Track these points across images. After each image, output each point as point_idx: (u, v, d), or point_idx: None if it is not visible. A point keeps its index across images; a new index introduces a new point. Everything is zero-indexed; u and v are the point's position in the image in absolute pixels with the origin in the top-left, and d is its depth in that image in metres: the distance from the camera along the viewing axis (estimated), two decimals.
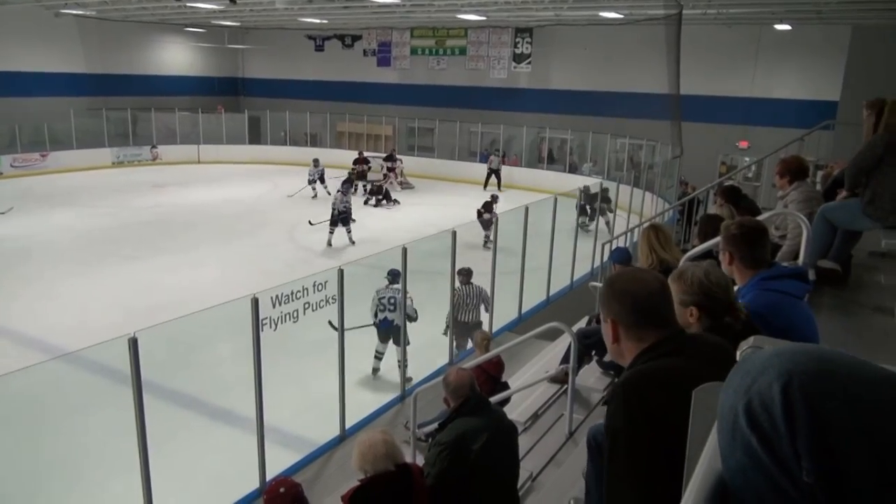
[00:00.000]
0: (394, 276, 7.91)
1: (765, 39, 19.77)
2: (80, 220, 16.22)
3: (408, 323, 7.66)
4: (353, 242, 14.45)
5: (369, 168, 21.43)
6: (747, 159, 19.04)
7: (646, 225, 5.71)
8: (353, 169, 20.69)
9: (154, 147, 25.31)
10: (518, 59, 23.94)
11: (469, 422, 3.03)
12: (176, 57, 28.59)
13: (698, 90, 19.62)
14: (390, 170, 21.88)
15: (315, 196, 19.61)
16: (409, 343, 7.67)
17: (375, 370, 8.25)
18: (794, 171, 4.62)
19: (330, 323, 7.43)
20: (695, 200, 9.57)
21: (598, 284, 7.90)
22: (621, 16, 18.64)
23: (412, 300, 7.81)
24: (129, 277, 11.73)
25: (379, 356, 8.21)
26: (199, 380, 7.86)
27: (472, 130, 25.08)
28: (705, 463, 0.77)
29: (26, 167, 22.03)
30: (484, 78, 24.62)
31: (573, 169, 22.57)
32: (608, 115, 21.55)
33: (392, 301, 7.94)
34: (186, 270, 11.99)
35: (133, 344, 4.59)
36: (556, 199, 10.10)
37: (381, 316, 8.03)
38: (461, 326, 8.18)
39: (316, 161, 20.39)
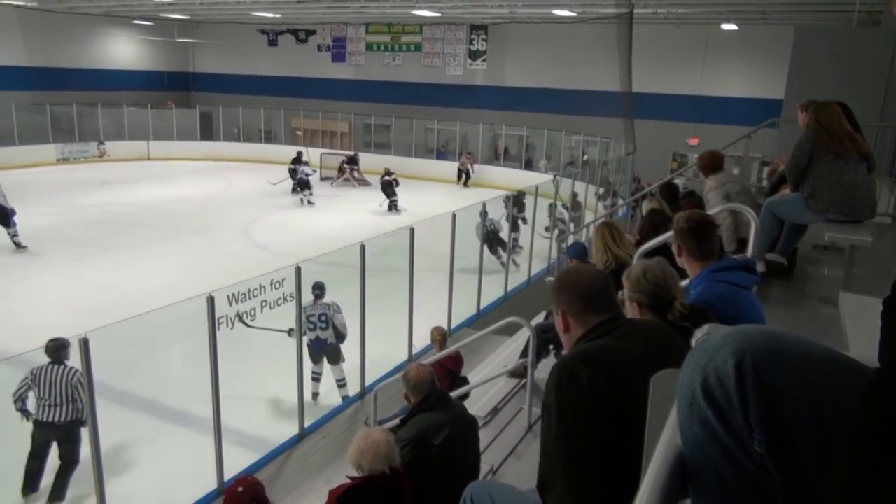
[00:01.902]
0: (320, 289, 7.25)
1: (713, 39, 20.29)
2: (24, 218, 15.60)
3: (339, 343, 7.25)
4: (313, 203, 17.14)
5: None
6: (696, 155, 19.54)
7: (599, 221, 5.83)
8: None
9: (101, 143, 24.54)
10: (473, 56, 24.04)
11: (430, 417, 3.05)
12: (123, 50, 27.78)
13: (650, 88, 20.03)
14: (351, 170, 21.84)
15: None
16: (344, 360, 7.33)
17: (315, 394, 7.48)
18: (708, 164, 4.94)
19: (238, 317, 6.63)
20: (646, 196, 9.77)
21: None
22: (574, 14, 18.89)
23: (340, 313, 7.28)
24: (76, 278, 11.39)
25: (316, 377, 7.46)
26: (154, 381, 7.69)
27: (429, 127, 25.08)
28: (665, 440, 0.81)
29: None
30: (440, 75, 24.64)
31: (528, 166, 22.80)
32: (563, 113, 21.83)
33: (323, 318, 7.20)
34: (136, 270, 11.69)
35: (84, 345, 4.48)
36: (510, 197, 10.20)
37: (311, 336, 7.18)
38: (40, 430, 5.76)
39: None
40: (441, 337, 6.03)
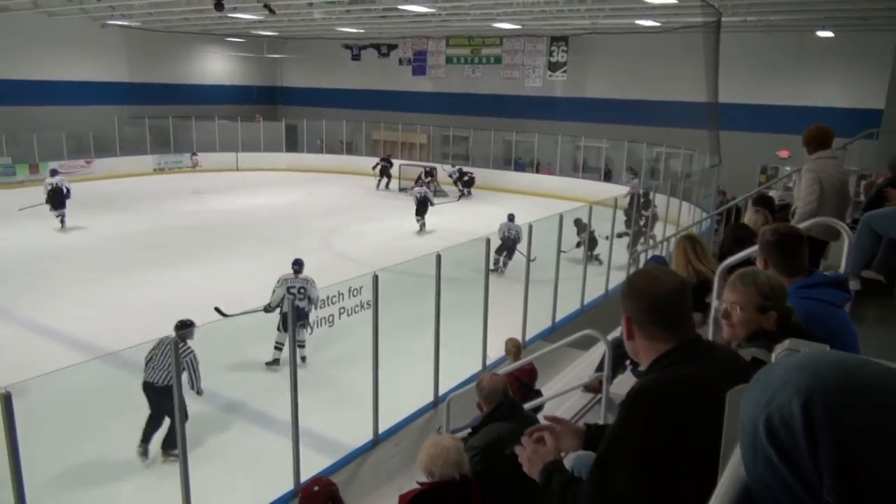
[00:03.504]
0: (299, 265, 8.58)
1: (806, 47, 19.42)
2: (123, 225, 16.65)
3: (312, 309, 7.95)
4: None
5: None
6: (788, 168, 18.69)
7: (681, 235, 5.65)
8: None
9: (194, 154, 25.87)
10: (553, 67, 23.91)
11: (501, 426, 3.04)
12: (216, 66, 29.24)
13: (737, 98, 19.36)
14: (428, 182, 22.22)
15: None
16: (311, 331, 7.97)
17: (277, 360, 8.26)
18: (814, 139, 4.56)
19: (217, 309, 8.57)
20: (733, 209, 9.43)
21: None
22: (658, 24, 18.51)
23: (315, 288, 8.20)
24: (168, 281, 11.99)
25: (279, 346, 8.30)
26: (236, 383, 7.99)
27: (507, 139, 25.09)
28: (732, 468, 0.77)
29: (71, 173, 22.62)
30: (519, 86, 24.64)
31: (608, 177, 22.42)
32: (644, 124, 21.38)
33: (302, 290, 8.26)
34: (223, 275, 12.19)
35: (174, 345, 4.70)
36: (591, 208, 10.06)
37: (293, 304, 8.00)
38: (152, 392, 6.57)
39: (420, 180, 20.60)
40: (515, 348, 6.00)
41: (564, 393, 5.61)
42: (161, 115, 25.58)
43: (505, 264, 12.63)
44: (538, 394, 5.49)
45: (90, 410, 6.76)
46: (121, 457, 6.34)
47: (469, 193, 22.15)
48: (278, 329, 8.40)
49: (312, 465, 5.97)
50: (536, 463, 1.74)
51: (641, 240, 13.37)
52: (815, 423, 0.66)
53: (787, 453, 0.68)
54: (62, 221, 16.01)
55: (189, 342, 6.26)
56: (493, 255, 11.05)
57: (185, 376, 5.92)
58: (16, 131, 21.53)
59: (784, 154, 20.06)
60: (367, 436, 6.58)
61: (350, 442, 6.59)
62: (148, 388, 6.27)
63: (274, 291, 8.52)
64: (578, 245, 11.83)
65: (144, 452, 6.31)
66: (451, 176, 22.54)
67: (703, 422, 1.35)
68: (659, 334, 1.59)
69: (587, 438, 1.97)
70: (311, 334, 7.84)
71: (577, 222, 12.17)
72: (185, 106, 26.54)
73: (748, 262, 3.21)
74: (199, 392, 6.42)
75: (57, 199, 15.82)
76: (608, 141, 22.67)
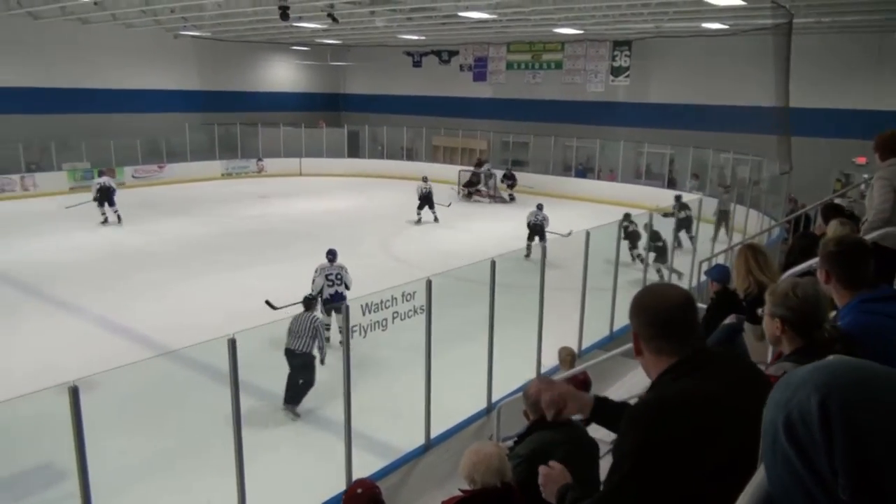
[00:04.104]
0: (333, 254, 9.64)
1: (886, 47, 18.49)
2: (191, 228, 17.27)
3: (346, 293, 9.15)
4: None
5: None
6: (866, 176, 17.83)
7: (743, 244, 5.45)
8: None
9: (260, 160, 26.63)
10: (616, 72, 23.54)
11: (546, 435, 2.99)
12: (281, 74, 30.04)
13: (811, 103, 18.60)
14: (485, 184, 22.38)
15: (419, 221, 18.53)
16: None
17: (327, 339, 8.76)
18: (886, 145, 4.28)
19: (267, 302, 9.23)
20: (802, 218, 9.06)
21: (697, 304, 7.61)
22: (726, 26, 17.98)
23: (348, 273, 9.46)
24: (231, 282, 12.35)
25: (327, 327, 8.90)
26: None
27: (568, 145, 24.83)
28: (757, 479, 0.75)
29: (145, 178, 23.73)
30: (580, 92, 24.35)
31: (672, 184, 21.88)
32: (710, 130, 20.79)
33: (339, 276, 9.36)
34: (285, 277, 12.40)
35: (231, 345, 4.82)
36: (651, 215, 9.84)
37: (330, 291, 9.24)
38: (290, 356, 7.51)
39: (425, 178, 19.15)
40: (569, 357, 5.90)
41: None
42: (229, 122, 26.47)
43: (530, 249, 13.38)
44: None
45: (152, 405, 7.01)
46: (179, 450, 6.55)
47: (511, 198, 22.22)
48: (321, 313, 9.07)
49: (364, 467, 6.03)
50: (550, 486, 1.83)
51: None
52: (831, 419, 0.67)
53: (804, 450, 0.69)
54: (118, 217, 17.29)
55: (315, 313, 7.39)
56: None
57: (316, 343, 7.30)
58: (94, 138, 22.64)
59: (861, 161, 19.12)
60: (419, 440, 6.61)
61: (402, 446, 6.63)
62: (289, 353, 7.29)
63: (314, 281, 9.38)
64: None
65: (294, 413, 7.40)
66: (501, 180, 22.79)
67: (706, 433, 1.39)
68: (665, 348, 1.59)
69: (594, 408, 2.01)
70: (364, 338, 7.93)
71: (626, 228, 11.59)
72: (252, 113, 27.37)
73: (811, 274, 3.07)
74: (322, 361, 7.44)
75: (107, 196, 17.13)
76: (672, 147, 22.14)
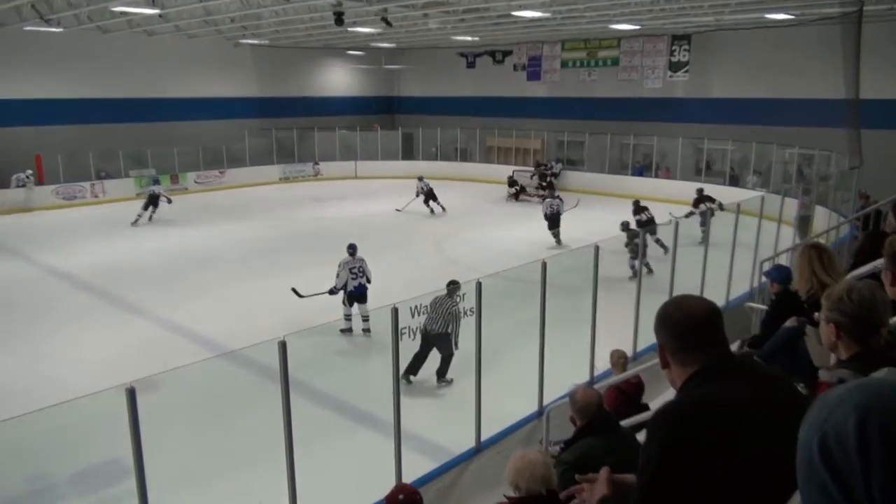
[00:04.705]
0: (353, 248, 10.18)
1: None
2: (251, 231, 17.71)
3: (367, 285, 9.87)
4: (559, 243, 15.62)
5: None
6: None
7: (806, 243, 5.20)
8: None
9: (316, 164, 27.11)
10: (674, 67, 22.99)
11: (593, 442, 2.91)
12: (337, 79, 30.52)
13: (882, 93, 17.70)
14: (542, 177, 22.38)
15: (432, 213, 19.65)
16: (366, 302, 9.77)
17: (350, 329, 9.85)
18: None
19: (294, 290, 10.23)
20: (873, 214, 8.61)
21: (756, 305, 7.32)
22: (791, 17, 17.31)
23: (367, 263, 10.05)
24: (287, 284, 12.55)
25: (348, 317, 9.89)
26: (345, 383, 8.23)
27: (624, 143, 24.36)
28: (795, 500, 0.69)
29: (207, 183, 24.47)
30: (637, 88, 23.87)
31: (734, 181, 21.18)
32: (774, 124, 20.05)
33: (361, 269, 9.95)
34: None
35: (282, 347, 4.89)
36: (710, 213, 9.53)
37: (354, 283, 9.83)
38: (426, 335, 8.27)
39: (420, 178, 20.38)
40: (621, 360, 5.76)
41: None
42: (286, 127, 27.05)
43: (556, 236, 15.32)
44: (645, 408, 5.24)
45: (210, 405, 7.19)
46: (235, 450, 6.69)
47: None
48: (344, 304, 9.99)
49: (415, 469, 6.03)
50: (590, 501, 1.82)
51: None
52: (869, 443, 0.62)
53: (839, 475, 0.64)
54: (150, 218, 18.64)
55: (456, 297, 7.92)
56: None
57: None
58: (159, 146, 23.51)
59: None
60: (469, 443, 6.57)
61: (453, 448, 6.60)
62: (425, 332, 7.87)
63: (338, 275, 9.95)
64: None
65: (408, 380, 7.92)
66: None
67: (730, 435, 1.39)
68: (690, 360, 1.58)
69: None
70: (413, 340, 7.96)
71: (626, 226, 12.90)
72: (309, 118, 27.91)
73: (877, 275, 2.89)
74: (456, 345, 7.90)
75: (152, 200, 18.73)
76: (734, 142, 21.43)
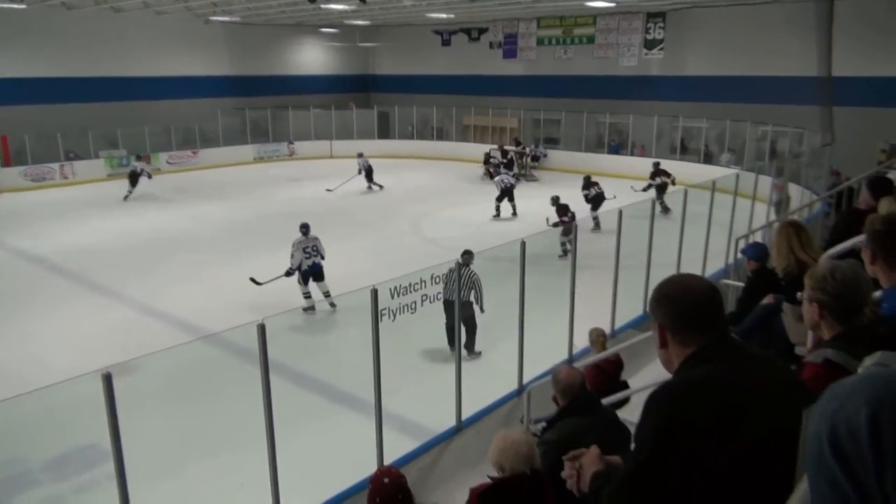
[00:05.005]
0: (306, 227, 10.31)
1: None
2: (225, 212, 17.48)
3: (321, 262, 10.08)
4: (516, 214, 16.36)
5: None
6: None
7: (784, 221, 5.26)
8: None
9: (291, 143, 26.78)
10: (649, 45, 23.00)
11: (577, 422, 2.93)
12: (311, 57, 30.05)
13: (854, 71, 17.91)
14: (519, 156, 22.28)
15: (370, 189, 20.18)
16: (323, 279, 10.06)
17: (312, 307, 9.88)
18: None
19: (252, 279, 10.38)
20: (844, 192, 8.75)
21: (732, 282, 7.42)
22: None
23: (321, 241, 10.20)
24: (264, 265, 12.43)
25: (308, 295, 10.05)
26: (324, 364, 8.21)
27: (601, 121, 24.40)
28: (798, 497, 0.68)
29: (180, 164, 24.06)
30: (613, 66, 23.87)
31: (708, 159, 21.37)
32: (748, 102, 20.20)
33: (314, 248, 10.09)
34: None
35: (261, 330, 4.85)
36: (686, 192, 9.62)
37: (309, 262, 10.01)
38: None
39: (360, 154, 20.96)
40: (600, 338, 5.81)
41: (654, 385, 5.38)
42: (260, 107, 26.62)
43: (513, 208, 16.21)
44: (624, 385, 5.30)
45: (188, 388, 7.13)
46: (214, 432, 6.65)
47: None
48: (299, 283, 10.15)
49: (396, 448, 6.05)
50: (585, 477, 1.80)
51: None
52: (882, 436, 0.61)
53: (851, 468, 0.63)
54: (126, 197, 18.88)
55: (471, 267, 8.06)
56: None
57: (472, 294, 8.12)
58: (130, 125, 23.00)
59: None
60: (450, 422, 6.60)
61: (434, 427, 6.63)
62: (448, 304, 7.83)
63: (292, 255, 10.05)
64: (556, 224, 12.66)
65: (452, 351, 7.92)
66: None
67: (727, 417, 1.38)
68: (691, 340, 1.58)
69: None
70: (393, 321, 7.96)
71: (555, 200, 13.60)
72: (282, 97, 27.49)
73: (855, 252, 2.93)
74: (482, 309, 8.06)
75: (133, 178, 19.06)
76: (708, 120, 21.59)
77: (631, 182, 16.30)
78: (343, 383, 7.65)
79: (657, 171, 16.42)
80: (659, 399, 1.51)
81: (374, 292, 5.61)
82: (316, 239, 10.25)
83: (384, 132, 28.25)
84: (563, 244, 11.84)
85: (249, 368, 5.24)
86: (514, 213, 16.40)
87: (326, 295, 10.05)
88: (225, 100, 26.27)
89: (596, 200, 15.09)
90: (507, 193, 16.60)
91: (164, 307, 10.58)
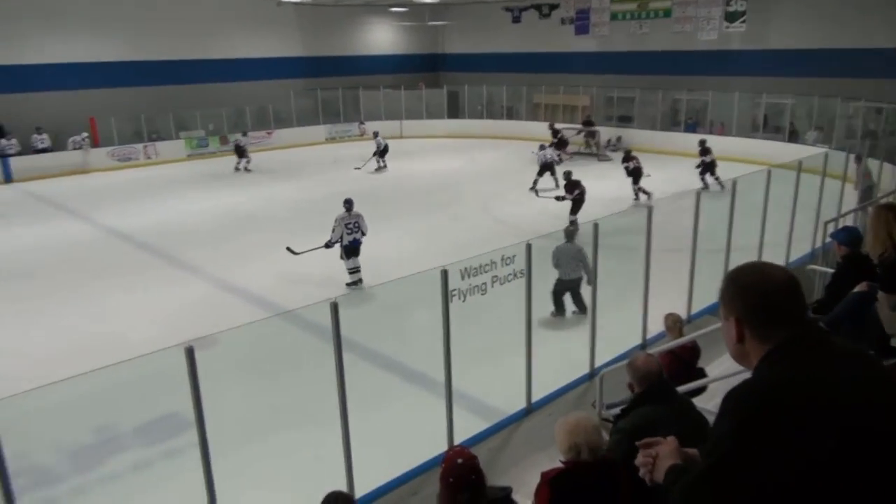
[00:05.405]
0: (350, 203, 10.54)
1: None
2: (298, 192, 17.89)
3: (361, 239, 10.38)
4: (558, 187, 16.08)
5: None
6: None
7: (882, 204, 4.95)
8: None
9: (361, 123, 27.06)
10: (731, 17, 21.95)
11: (652, 410, 2.85)
12: (381, 37, 30.21)
13: None
14: (589, 135, 21.80)
15: (379, 168, 20.52)
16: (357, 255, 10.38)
17: (361, 281, 10.29)
18: None
19: (288, 248, 10.80)
20: None
21: (819, 268, 7.06)
22: None
23: (364, 219, 10.45)
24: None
25: (355, 269, 10.37)
26: (397, 343, 8.31)
27: (677, 98, 23.58)
28: None
29: (255, 144, 24.67)
30: (691, 41, 22.93)
31: (793, 138, 20.33)
32: (837, 77, 19.06)
33: (357, 225, 10.34)
34: (384, 240, 12.62)
35: (334, 308, 4.93)
36: (769, 172, 9.19)
37: (350, 238, 10.25)
38: (563, 284, 8.84)
39: (376, 133, 21.22)
40: (676, 324, 5.65)
41: (733, 375, 5.20)
42: (331, 87, 27.01)
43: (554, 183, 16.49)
44: (701, 373, 5.14)
45: (266, 362, 7.37)
46: (291, 406, 6.85)
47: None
48: (342, 258, 10.41)
49: (466, 429, 6.09)
50: (660, 468, 1.71)
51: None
52: None
53: None
54: (247, 168, 20.82)
55: (574, 241, 8.53)
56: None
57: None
58: (208, 107, 23.77)
59: None
60: (520, 404, 6.58)
61: (504, 408, 6.63)
62: (560, 282, 8.57)
63: (334, 230, 10.31)
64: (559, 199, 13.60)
65: (561, 314, 8.83)
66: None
67: (806, 425, 1.29)
68: (773, 334, 1.45)
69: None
70: (464, 302, 7.98)
71: (567, 176, 13.95)
72: (353, 77, 27.78)
73: None
74: (588, 282, 8.07)
75: (239, 151, 21.06)
76: (794, 97, 20.50)
77: (724, 165, 16.25)
78: (414, 362, 7.74)
79: (704, 150, 16.54)
80: (738, 398, 1.41)
81: (445, 273, 5.62)
82: (359, 216, 10.48)
83: (454, 112, 28.19)
84: (572, 221, 12.49)
85: (323, 345, 5.36)
86: (557, 187, 16.34)
87: (356, 271, 10.46)
88: (297, 81, 26.78)
89: (636, 173, 15.62)
90: (547, 168, 17.11)
91: (240, 283, 10.94)
